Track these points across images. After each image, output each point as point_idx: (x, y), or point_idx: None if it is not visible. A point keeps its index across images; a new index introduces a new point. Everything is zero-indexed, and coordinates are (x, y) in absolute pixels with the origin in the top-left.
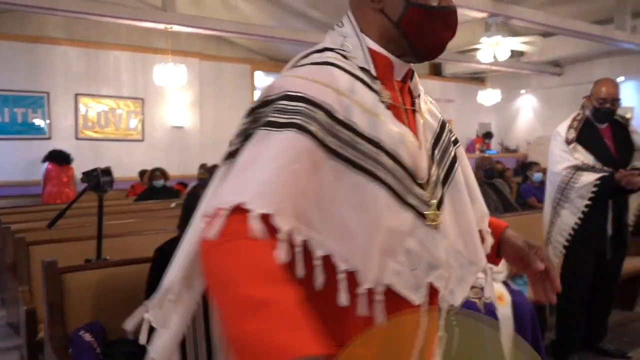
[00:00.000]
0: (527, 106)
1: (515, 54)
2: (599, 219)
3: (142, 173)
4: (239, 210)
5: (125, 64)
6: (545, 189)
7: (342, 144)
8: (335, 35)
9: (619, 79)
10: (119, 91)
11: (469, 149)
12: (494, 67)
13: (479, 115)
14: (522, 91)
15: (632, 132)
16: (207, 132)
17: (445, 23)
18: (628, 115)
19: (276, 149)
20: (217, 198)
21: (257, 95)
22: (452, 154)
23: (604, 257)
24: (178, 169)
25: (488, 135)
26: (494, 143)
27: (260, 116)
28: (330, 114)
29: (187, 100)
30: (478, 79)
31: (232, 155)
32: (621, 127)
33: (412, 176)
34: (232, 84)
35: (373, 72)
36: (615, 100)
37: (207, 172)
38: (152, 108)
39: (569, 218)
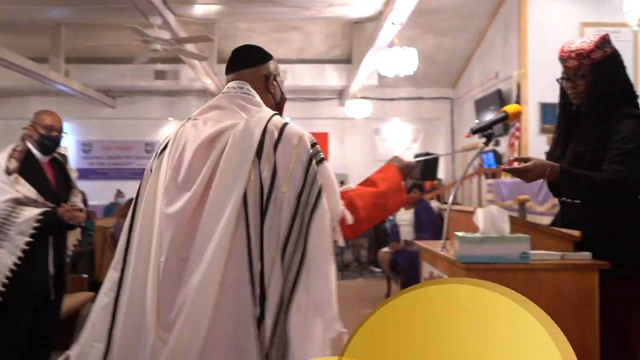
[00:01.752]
0: None
1: None
2: (40, 257)
3: None
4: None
5: None
6: None
7: None
8: (257, 101)
9: None
10: None
11: None
12: None
13: None
14: None
15: (69, 169)
16: None
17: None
18: (64, 152)
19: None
20: (337, 208)
21: None
22: None
23: (47, 299)
24: None
25: None
26: None
27: (317, 151)
28: None
29: None
30: None
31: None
32: (59, 163)
33: None
34: None
35: None
36: (61, 130)
37: None
38: None
39: (7, 258)
